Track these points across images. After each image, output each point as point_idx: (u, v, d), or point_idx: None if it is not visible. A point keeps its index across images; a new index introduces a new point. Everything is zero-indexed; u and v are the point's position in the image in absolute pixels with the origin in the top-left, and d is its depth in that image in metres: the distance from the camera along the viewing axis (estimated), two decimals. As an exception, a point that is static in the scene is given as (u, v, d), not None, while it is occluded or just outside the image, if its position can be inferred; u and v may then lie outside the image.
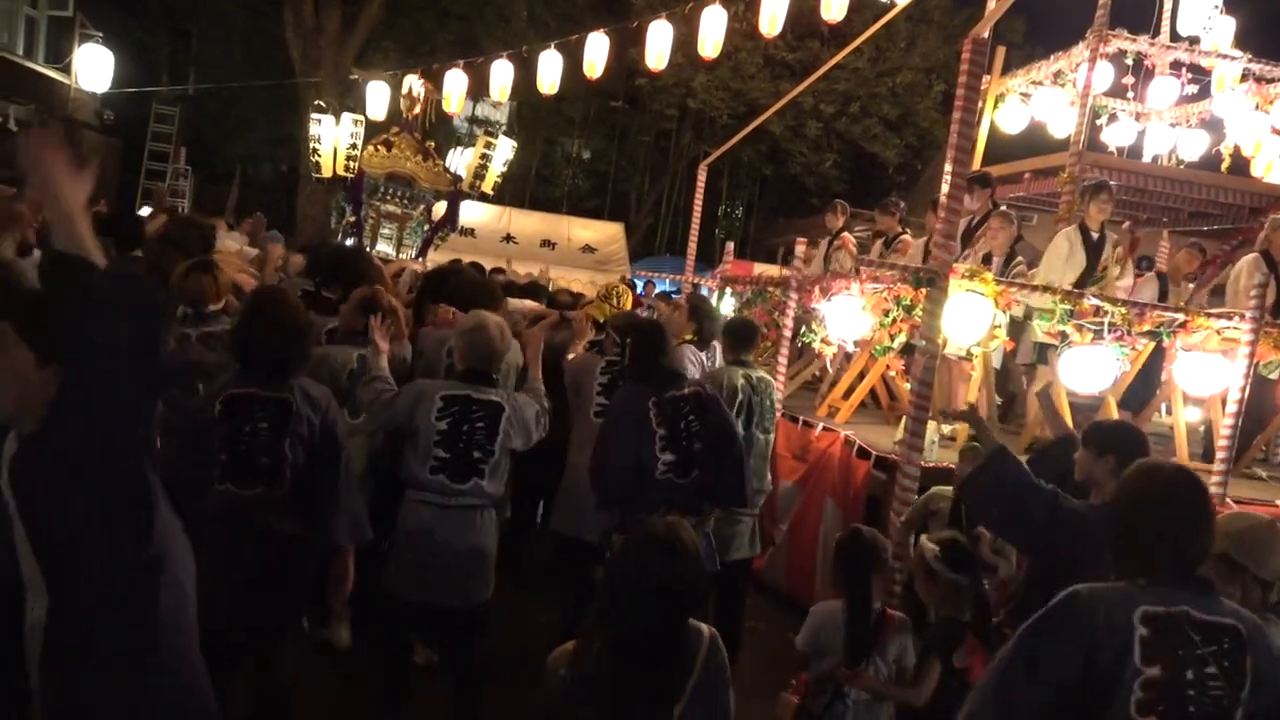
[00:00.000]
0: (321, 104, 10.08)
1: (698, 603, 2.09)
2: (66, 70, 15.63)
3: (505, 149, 10.02)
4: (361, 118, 9.84)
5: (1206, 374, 4.98)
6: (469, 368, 3.41)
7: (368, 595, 3.38)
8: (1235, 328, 4.83)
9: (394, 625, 3.48)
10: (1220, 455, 4.83)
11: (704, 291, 10.21)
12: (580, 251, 17.09)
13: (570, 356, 4.56)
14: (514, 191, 20.60)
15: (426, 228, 10.27)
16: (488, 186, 9.95)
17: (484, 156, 9.81)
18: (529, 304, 5.76)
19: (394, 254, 9.54)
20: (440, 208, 10.20)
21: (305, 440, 2.92)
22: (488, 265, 9.84)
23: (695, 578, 2.05)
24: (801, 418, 5.88)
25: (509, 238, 16.78)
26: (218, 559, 2.77)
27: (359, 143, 9.69)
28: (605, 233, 18.18)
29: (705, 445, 3.65)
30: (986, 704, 1.85)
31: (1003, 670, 1.86)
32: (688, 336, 4.99)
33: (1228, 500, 4.74)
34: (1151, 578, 1.83)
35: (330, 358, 3.75)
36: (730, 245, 9.58)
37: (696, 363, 4.74)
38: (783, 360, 6.09)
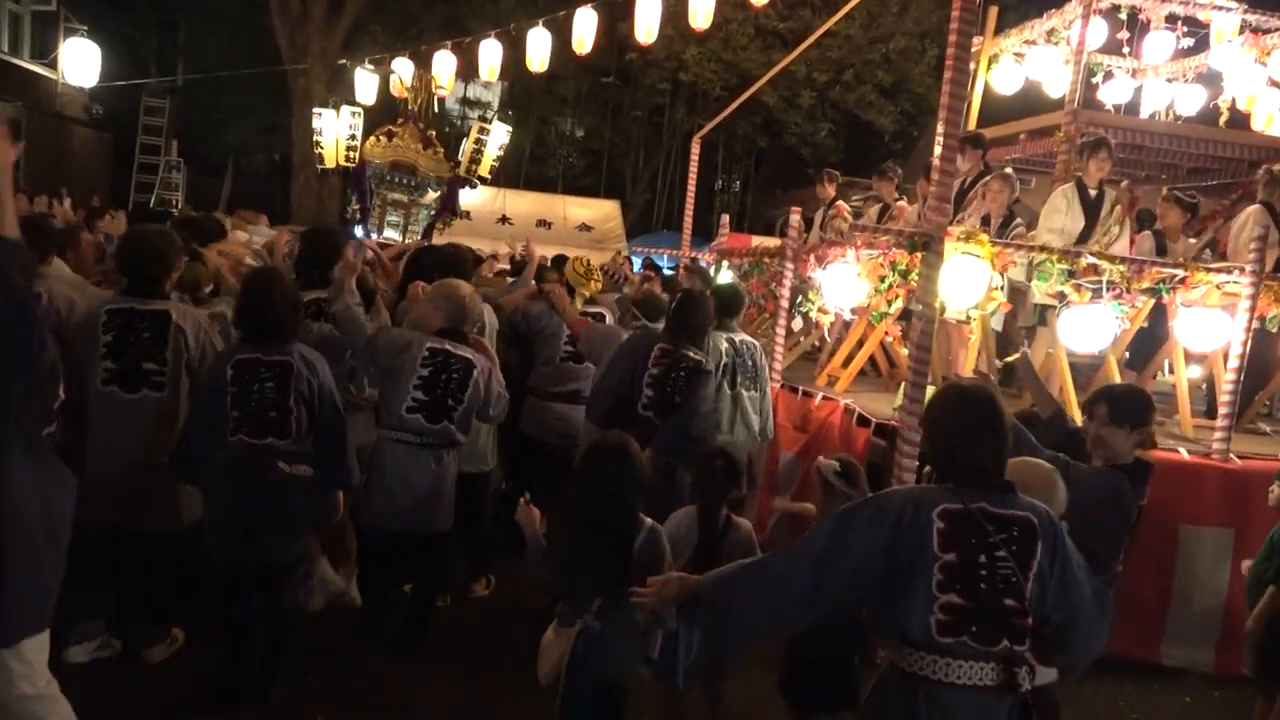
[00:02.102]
0: (331, 100, 10.28)
1: (636, 495, 2.76)
2: (53, 65, 15.54)
3: (500, 133, 10.06)
4: (359, 108, 9.99)
5: (1207, 330, 4.94)
6: (444, 327, 3.84)
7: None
8: (1235, 282, 4.78)
9: (373, 559, 3.97)
10: (1223, 411, 4.80)
11: (701, 265, 10.17)
12: (577, 230, 17.02)
13: (580, 325, 4.92)
14: (508, 172, 20.46)
15: (433, 214, 10.43)
16: (484, 170, 10.00)
17: (479, 142, 9.89)
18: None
19: (401, 240, 9.66)
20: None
21: (306, 397, 3.37)
22: (485, 248, 9.86)
23: (635, 476, 2.74)
24: (801, 388, 5.85)
25: (504, 219, 16.72)
26: (233, 501, 3.33)
27: (358, 133, 9.89)
28: (601, 211, 18.10)
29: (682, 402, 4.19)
30: (798, 552, 2.19)
31: (815, 533, 2.21)
32: None
33: (1231, 457, 4.72)
34: (958, 482, 2.14)
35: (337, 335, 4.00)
36: (725, 218, 9.50)
37: None
38: (780, 331, 6.05)
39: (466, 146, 10.18)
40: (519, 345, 5.14)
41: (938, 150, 4.44)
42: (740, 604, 2.17)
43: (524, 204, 17.48)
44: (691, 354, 4.23)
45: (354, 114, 9.86)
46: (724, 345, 4.74)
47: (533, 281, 5.44)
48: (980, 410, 2.19)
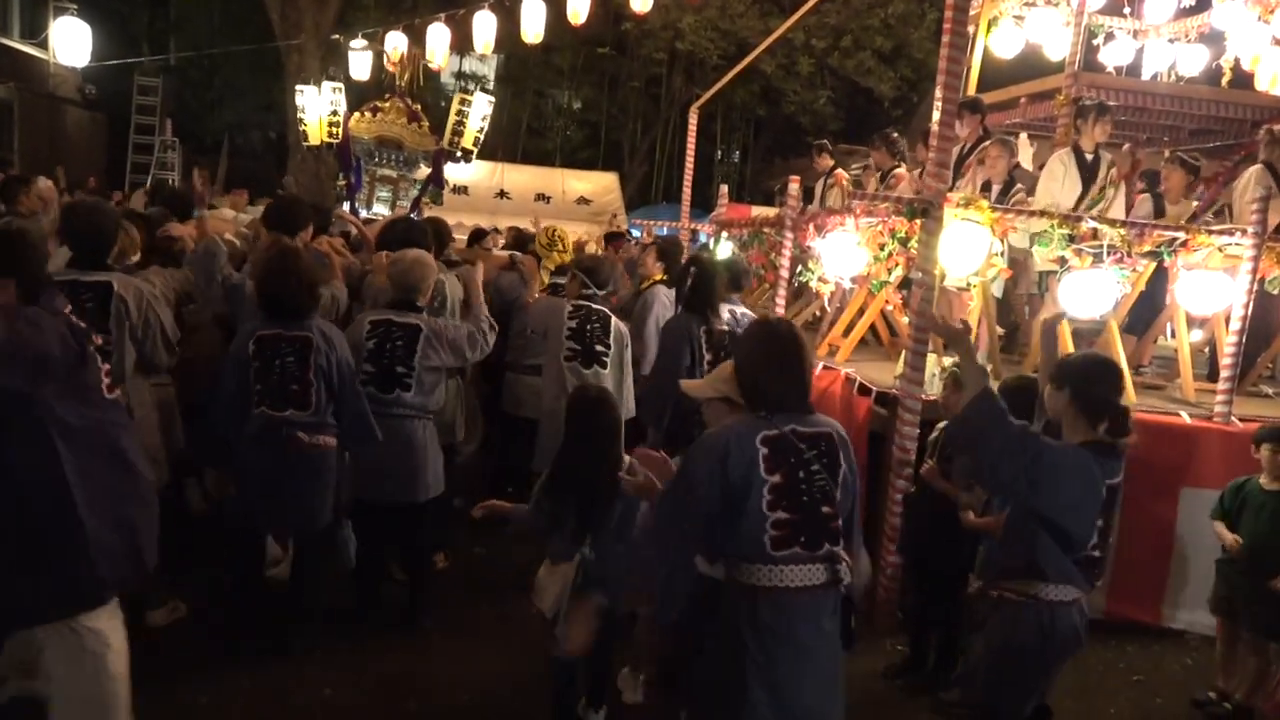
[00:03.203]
0: (312, 77, 10.22)
1: (617, 437, 3.09)
2: (44, 45, 15.41)
3: (482, 105, 9.95)
4: (340, 85, 9.93)
5: (1209, 292, 4.91)
6: (394, 297, 3.98)
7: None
8: (1237, 244, 4.75)
9: (357, 530, 4.03)
10: (1224, 374, 4.79)
11: (702, 237, 10.13)
12: (576, 204, 16.95)
13: (532, 299, 4.90)
14: (506, 147, 20.34)
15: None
16: (468, 143, 9.90)
17: (460, 114, 9.78)
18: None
19: (391, 214, 9.63)
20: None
21: (325, 370, 3.52)
22: (484, 224, 9.84)
23: (615, 421, 3.09)
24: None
25: (503, 194, 16.64)
26: (259, 469, 3.50)
27: (339, 109, 9.82)
28: (600, 183, 18.02)
29: None
30: (663, 518, 2.43)
31: (669, 492, 2.47)
32: (658, 277, 5.47)
33: (1232, 419, 4.71)
34: (769, 409, 2.36)
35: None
36: (724, 188, 9.44)
37: (669, 301, 5.01)
38: (780, 301, 6.03)
39: (449, 119, 10.10)
40: (497, 319, 5.18)
41: (936, 116, 4.41)
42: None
43: (522, 178, 17.39)
44: (723, 326, 4.22)
45: (334, 89, 9.79)
46: (725, 315, 4.73)
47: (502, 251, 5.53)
48: (782, 343, 2.41)
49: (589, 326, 4.50)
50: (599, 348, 4.44)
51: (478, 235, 7.71)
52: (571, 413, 3.12)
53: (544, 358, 4.69)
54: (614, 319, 4.58)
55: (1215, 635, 4.12)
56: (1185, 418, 4.75)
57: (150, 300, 3.68)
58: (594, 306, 4.57)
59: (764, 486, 2.27)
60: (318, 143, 10.16)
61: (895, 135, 7.57)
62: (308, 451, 3.51)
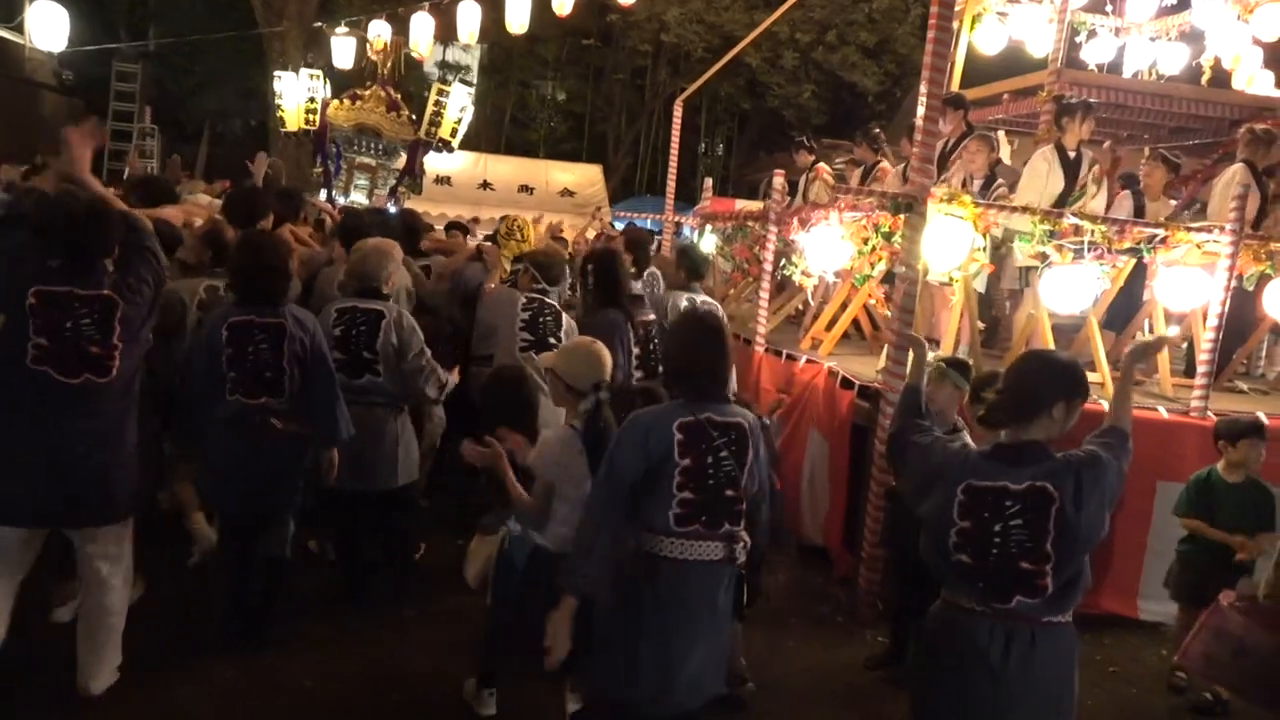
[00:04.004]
0: (292, 64, 10.09)
1: (527, 413, 3.26)
2: (19, 29, 15.15)
3: (460, 95, 9.89)
4: (318, 72, 9.82)
5: (1187, 289, 4.96)
6: (356, 285, 4.02)
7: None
8: (1215, 240, 4.81)
9: (335, 518, 4.10)
10: (1201, 370, 4.85)
11: (686, 230, 10.13)
12: (559, 195, 16.89)
13: (489, 288, 4.94)
14: (490, 137, 20.27)
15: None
16: (445, 133, 9.80)
17: (437, 104, 9.69)
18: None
19: (367, 203, 9.54)
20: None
21: (299, 357, 3.48)
22: (466, 214, 9.78)
23: (526, 399, 3.29)
24: (785, 351, 5.87)
25: (486, 185, 16.56)
26: (231, 456, 3.51)
27: (317, 96, 9.72)
28: (584, 175, 17.97)
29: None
30: (596, 485, 2.58)
31: (599, 478, 2.58)
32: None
33: (1209, 414, 4.77)
34: (688, 396, 2.57)
35: (173, 291, 3.94)
36: (709, 182, 9.44)
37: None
38: (764, 295, 6.05)
39: (426, 109, 10.05)
40: (461, 309, 5.17)
41: (920, 111, 4.43)
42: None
43: (506, 169, 17.31)
44: (649, 318, 4.34)
45: (312, 76, 9.70)
46: (683, 304, 4.80)
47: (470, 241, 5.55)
48: (704, 333, 2.62)
49: (542, 319, 4.55)
50: (552, 340, 4.49)
51: (453, 226, 7.65)
52: (485, 392, 3.35)
53: (496, 349, 4.69)
54: (565, 314, 4.67)
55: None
56: (1162, 413, 4.80)
57: None
58: (547, 300, 4.60)
59: (676, 469, 2.48)
60: (295, 129, 10.06)
61: (878, 130, 7.61)
62: (284, 437, 3.49)
